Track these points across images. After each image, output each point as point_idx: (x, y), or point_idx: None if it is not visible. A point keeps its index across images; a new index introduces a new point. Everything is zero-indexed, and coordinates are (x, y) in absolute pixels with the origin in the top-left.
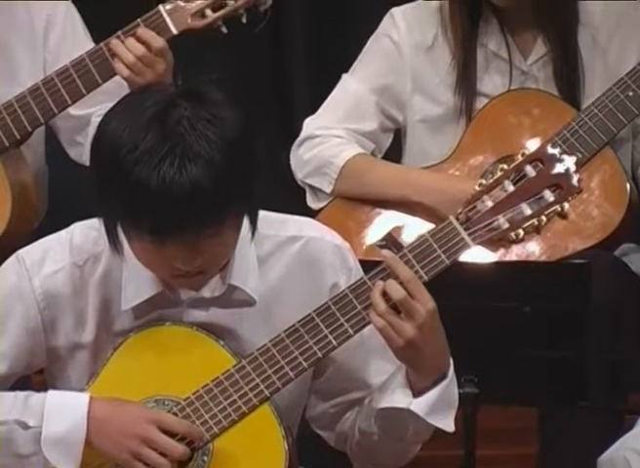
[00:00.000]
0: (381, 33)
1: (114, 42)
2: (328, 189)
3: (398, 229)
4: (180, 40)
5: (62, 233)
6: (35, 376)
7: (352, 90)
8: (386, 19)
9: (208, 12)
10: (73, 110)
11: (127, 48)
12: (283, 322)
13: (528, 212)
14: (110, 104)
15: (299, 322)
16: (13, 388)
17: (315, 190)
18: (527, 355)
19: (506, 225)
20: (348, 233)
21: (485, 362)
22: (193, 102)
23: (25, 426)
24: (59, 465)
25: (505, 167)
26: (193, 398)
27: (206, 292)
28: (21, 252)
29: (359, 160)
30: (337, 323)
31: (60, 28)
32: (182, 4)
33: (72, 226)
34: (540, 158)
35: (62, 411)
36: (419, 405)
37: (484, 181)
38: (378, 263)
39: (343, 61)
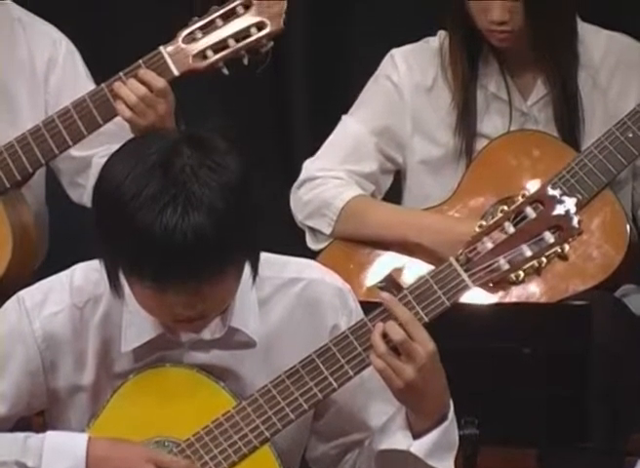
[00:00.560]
0: (381, 74)
1: (116, 83)
2: (327, 231)
3: (398, 271)
4: (181, 81)
5: (63, 274)
6: (35, 418)
7: (352, 131)
8: (386, 60)
9: (209, 53)
10: (74, 151)
11: (129, 88)
12: (284, 363)
13: (528, 253)
14: (112, 146)
15: (299, 363)
16: (13, 430)
17: (315, 231)
18: (527, 396)
19: (507, 267)
20: (349, 274)
21: (485, 403)
22: (196, 149)
23: (25, 467)
24: None
25: (506, 208)
26: (193, 439)
27: (206, 335)
28: (22, 293)
29: (358, 202)
30: (337, 364)
31: (60, 70)
32: (184, 45)
33: (73, 268)
34: (540, 199)
35: (61, 452)
36: (419, 447)
37: (484, 223)
38: (378, 305)
39: (343, 102)
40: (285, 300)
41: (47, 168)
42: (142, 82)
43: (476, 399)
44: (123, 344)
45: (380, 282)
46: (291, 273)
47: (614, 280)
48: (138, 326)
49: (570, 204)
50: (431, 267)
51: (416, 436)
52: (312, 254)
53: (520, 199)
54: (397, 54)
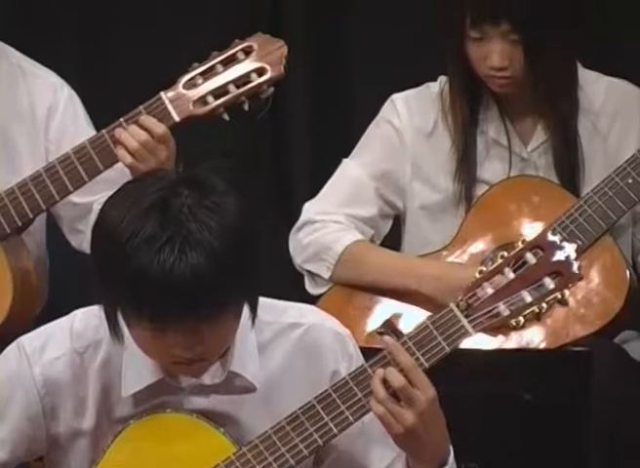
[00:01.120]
0: (382, 119)
1: (117, 129)
2: (326, 275)
3: (397, 317)
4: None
5: (63, 320)
6: (35, 464)
7: (352, 175)
8: (387, 104)
9: (210, 99)
10: (75, 198)
11: (130, 134)
12: (284, 408)
13: (528, 299)
14: (112, 192)
15: (299, 409)
16: None
17: (313, 276)
18: (527, 442)
19: (507, 312)
20: (349, 320)
21: (485, 449)
22: (194, 190)
23: None
24: None
25: (506, 254)
26: None
27: (206, 379)
28: (22, 338)
29: (358, 247)
30: (337, 410)
31: (61, 116)
32: (184, 91)
33: (73, 313)
34: (540, 245)
35: None
36: None
37: (484, 268)
38: (378, 351)
39: (344, 146)
40: (285, 345)
41: (47, 214)
42: (143, 128)
43: (477, 445)
44: (123, 389)
45: (379, 328)
46: (291, 318)
47: (614, 326)
48: (137, 370)
49: (570, 250)
50: (430, 313)
51: None
52: (311, 300)
53: (520, 245)
54: (398, 98)
